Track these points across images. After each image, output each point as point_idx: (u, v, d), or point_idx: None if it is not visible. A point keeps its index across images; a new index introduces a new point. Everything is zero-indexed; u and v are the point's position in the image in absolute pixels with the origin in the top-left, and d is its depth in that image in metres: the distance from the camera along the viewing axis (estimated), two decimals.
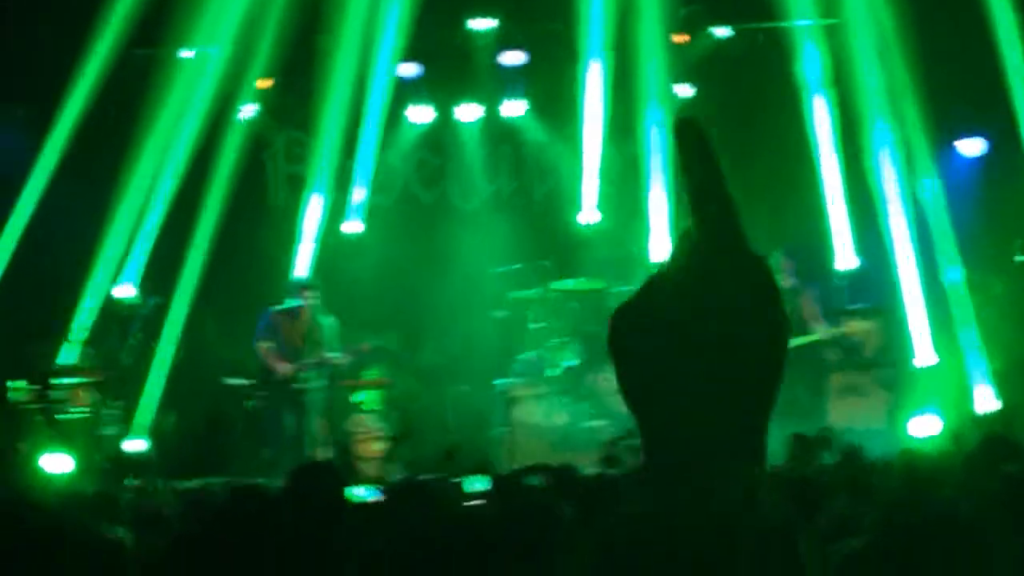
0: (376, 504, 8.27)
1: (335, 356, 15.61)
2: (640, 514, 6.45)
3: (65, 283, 16.81)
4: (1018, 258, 17.06)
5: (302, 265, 17.58)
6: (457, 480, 9.09)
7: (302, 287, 15.76)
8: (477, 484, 8.59)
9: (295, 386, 15.50)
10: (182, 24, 17.02)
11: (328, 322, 15.71)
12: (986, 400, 16.54)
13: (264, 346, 15.59)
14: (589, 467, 11.57)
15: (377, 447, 16.69)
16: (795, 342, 15.53)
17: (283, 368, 15.50)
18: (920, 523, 5.37)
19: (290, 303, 15.83)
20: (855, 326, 16.79)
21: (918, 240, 17.24)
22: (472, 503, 8.42)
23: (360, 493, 8.72)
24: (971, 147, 18.13)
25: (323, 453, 15.73)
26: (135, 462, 15.27)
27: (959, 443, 10.40)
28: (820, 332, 15.52)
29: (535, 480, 8.80)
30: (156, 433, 16.26)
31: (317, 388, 15.63)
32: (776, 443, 12.06)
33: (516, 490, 8.68)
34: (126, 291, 17.09)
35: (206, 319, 17.33)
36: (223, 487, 12.69)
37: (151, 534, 7.26)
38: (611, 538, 6.00)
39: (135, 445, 15.81)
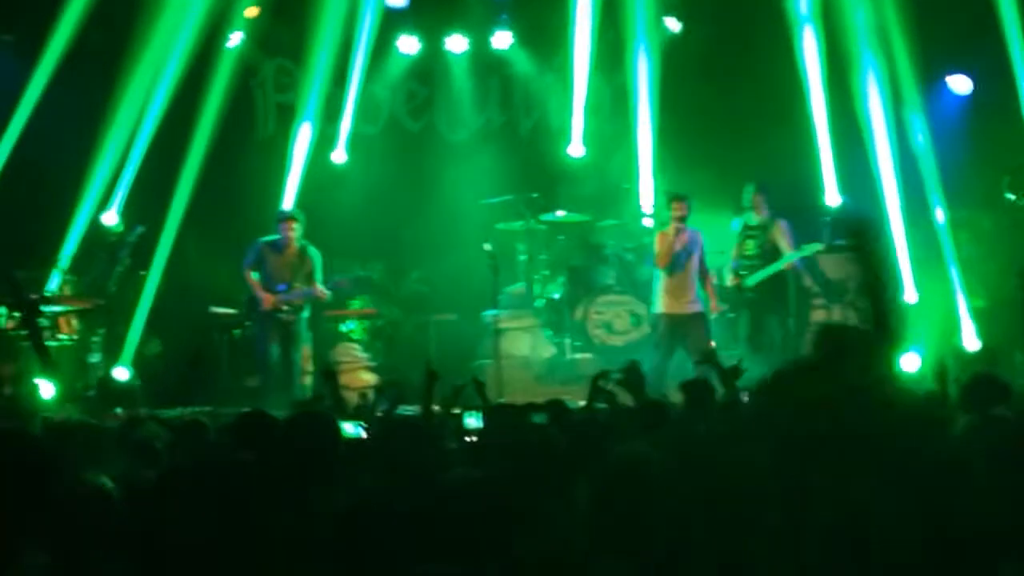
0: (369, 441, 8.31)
1: (318, 289, 15.56)
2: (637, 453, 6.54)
3: (52, 211, 16.78)
4: (1007, 195, 17.08)
5: (290, 195, 17.57)
6: (457, 414, 9.11)
7: (286, 218, 15.70)
8: (473, 420, 8.63)
9: (280, 316, 15.47)
10: None
11: (313, 253, 15.68)
12: (969, 338, 16.62)
13: (251, 275, 15.55)
14: (576, 401, 11.63)
15: (363, 377, 16.75)
16: (765, 272, 15.60)
17: (267, 299, 15.48)
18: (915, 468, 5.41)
19: (276, 235, 15.79)
20: (839, 263, 16.82)
21: (905, 177, 17.25)
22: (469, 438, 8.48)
23: (348, 429, 8.73)
24: (961, 84, 18.08)
25: (308, 382, 15.76)
26: (120, 391, 15.29)
27: (941, 382, 10.40)
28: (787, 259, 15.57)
29: (540, 418, 8.85)
30: (140, 362, 16.28)
31: (302, 318, 15.61)
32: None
33: (518, 427, 8.74)
34: (112, 219, 17.06)
35: (192, 248, 17.30)
36: (210, 417, 12.79)
37: (139, 467, 7.27)
38: (610, 473, 6.08)
39: (120, 373, 15.84)
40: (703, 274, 15.30)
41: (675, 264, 15.08)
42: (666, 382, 14.05)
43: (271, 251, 15.60)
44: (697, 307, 15.19)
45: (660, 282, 15.22)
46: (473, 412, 8.82)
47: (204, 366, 15.78)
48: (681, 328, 15.08)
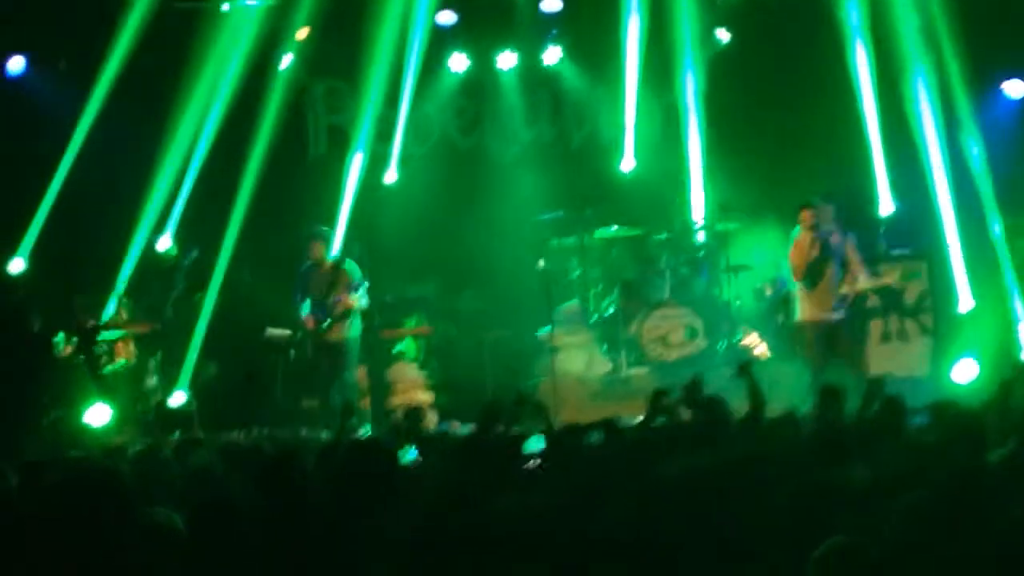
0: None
1: (344, 297, 15.53)
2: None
3: (108, 236, 16.87)
4: None
5: (343, 216, 17.60)
6: (516, 437, 9.10)
7: (308, 237, 15.78)
8: (535, 444, 8.60)
9: (331, 338, 15.49)
10: None
11: (350, 266, 15.69)
12: None
13: (300, 309, 15.65)
14: (632, 418, 11.63)
15: (419, 396, 16.77)
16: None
17: (308, 321, 15.57)
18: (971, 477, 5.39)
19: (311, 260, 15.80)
20: (895, 273, 16.73)
21: (959, 184, 17.15)
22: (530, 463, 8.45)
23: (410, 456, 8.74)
24: (1015, 88, 17.97)
25: (363, 403, 15.80)
26: (177, 415, 15.39)
27: (1002, 391, 10.35)
28: (862, 280, 15.36)
29: (595, 436, 8.84)
30: (197, 385, 16.35)
31: (350, 338, 15.60)
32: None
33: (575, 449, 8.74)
34: (166, 243, 17.16)
35: (246, 270, 17.36)
36: (268, 440, 12.86)
37: (194, 493, 7.29)
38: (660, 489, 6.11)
39: (177, 398, 15.91)
40: (844, 277, 15.12)
41: (813, 275, 14.94)
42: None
43: (310, 273, 15.68)
44: (841, 314, 15.04)
45: (800, 292, 15.04)
46: (536, 435, 8.79)
47: (258, 385, 15.84)
48: (828, 336, 14.91)
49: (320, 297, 15.57)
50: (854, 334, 15.25)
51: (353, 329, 15.66)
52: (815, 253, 14.82)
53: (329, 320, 15.53)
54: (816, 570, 4.77)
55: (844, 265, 15.06)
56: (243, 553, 5.85)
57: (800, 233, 14.90)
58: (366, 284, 15.64)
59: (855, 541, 4.83)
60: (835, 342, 14.87)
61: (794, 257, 14.91)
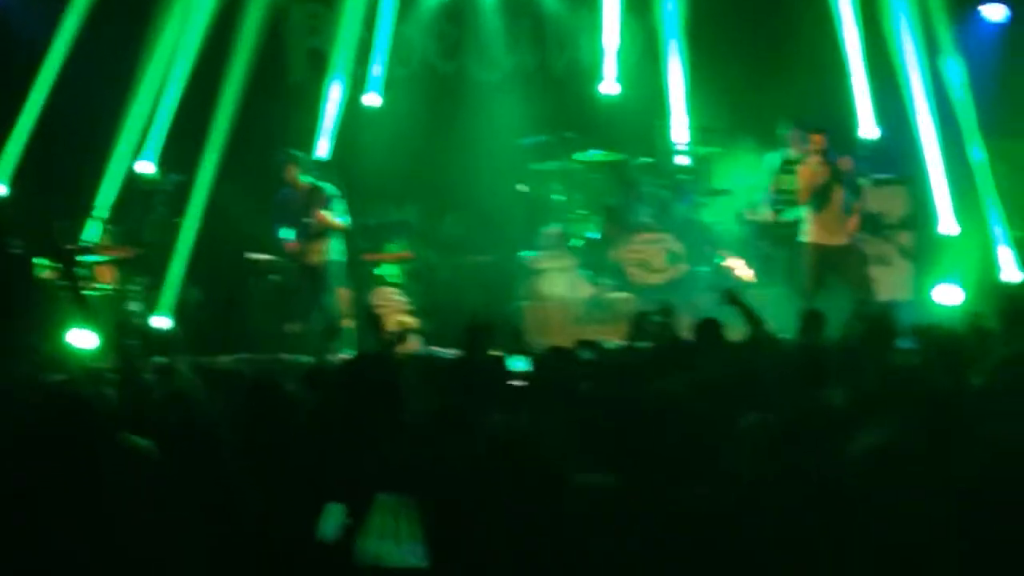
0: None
1: (319, 215, 15.47)
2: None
3: (88, 160, 16.78)
4: None
5: (323, 139, 17.54)
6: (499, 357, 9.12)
7: (285, 163, 15.69)
8: (519, 364, 8.64)
9: (311, 261, 15.46)
10: None
11: (325, 187, 15.62)
12: (1009, 269, 16.54)
13: (277, 230, 15.60)
14: (614, 341, 11.66)
15: (402, 320, 16.76)
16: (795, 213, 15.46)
17: (288, 245, 15.52)
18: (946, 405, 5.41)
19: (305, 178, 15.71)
20: (878, 196, 16.74)
21: (940, 108, 17.14)
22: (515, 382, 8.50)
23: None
24: (995, 11, 17.92)
25: (347, 326, 15.78)
26: (160, 339, 15.35)
27: (979, 315, 10.40)
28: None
29: (587, 353, 8.88)
30: (180, 310, 16.32)
31: (331, 261, 15.57)
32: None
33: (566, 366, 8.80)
34: (147, 167, 17.08)
35: (228, 194, 17.29)
36: (248, 364, 12.86)
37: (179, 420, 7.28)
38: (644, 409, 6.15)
39: (160, 322, 15.89)
40: (850, 204, 15.06)
41: (819, 198, 14.88)
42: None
43: (287, 199, 15.63)
44: (848, 238, 15.03)
45: (808, 215, 14.99)
46: (520, 356, 8.82)
47: (242, 312, 15.82)
48: (831, 260, 14.89)
49: (299, 220, 15.51)
50: (862, 258, 15.23)
51: (333, 251, 15.60)
52: (824, 177, 14.78)
53: (307, 240, 15.46)
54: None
55: (854, 191, 15.04)
56: (217, 477, 5.86)
57: (810, 157, 14.86)
58: (344, 202, 15.60)
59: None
60: (842, 267, 14.86)
61: (803, 180, 14.88)
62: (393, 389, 6.68)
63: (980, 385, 8.01)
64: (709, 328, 9.75)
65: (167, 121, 17.13)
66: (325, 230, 15.53)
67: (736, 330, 10.24)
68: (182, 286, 16.47)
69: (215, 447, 6.27)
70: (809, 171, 14.83)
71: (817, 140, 14.77)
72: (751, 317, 10.16)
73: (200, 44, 17.15)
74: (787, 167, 15.67)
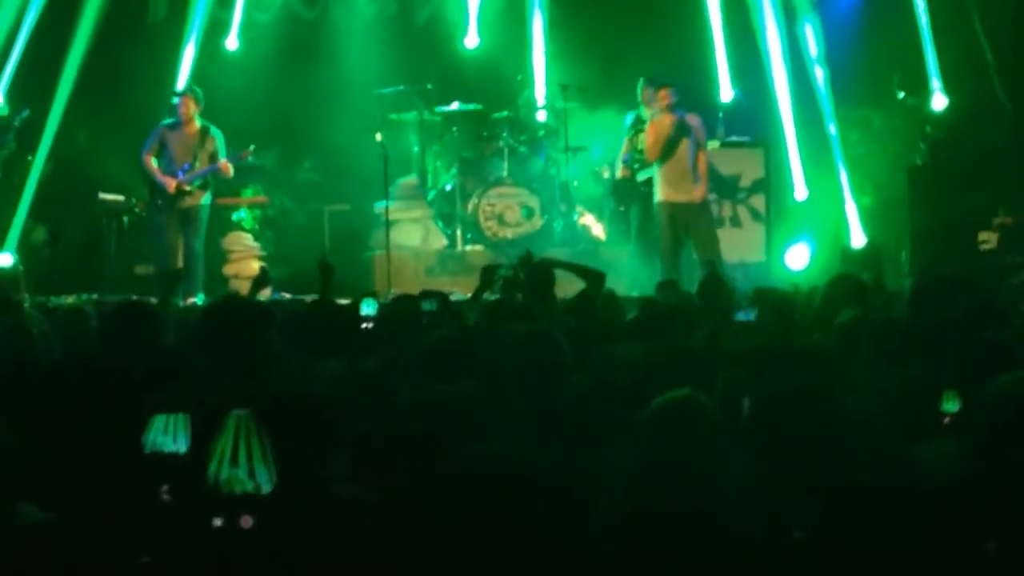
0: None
1: (222, 163, 15.20)
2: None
3: None
4: (897, 93, 17.22)
5: (181, 80, 17.34)
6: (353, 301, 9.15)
7: (183, 95, 15.40)
8: (369, 307, 8.71)
9: (181, 203, 15.19)
10: None
11: (216, 132, 15.42)
12: (856, 236, 16.81)
13: (151, 160, 15.25)
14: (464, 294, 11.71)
15: (253, 266, 16.69)
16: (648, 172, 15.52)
17: (169, 183, 15.17)
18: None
19: (174, 117, 15.45)
20: (733, 158, 16.91)
21: (796, 74, 17.34)
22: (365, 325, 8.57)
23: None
24: None
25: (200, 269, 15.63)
26: (3, 276, 15.14)
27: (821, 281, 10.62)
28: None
29: (430, 305, 8.95)
30: (25, 248, 16.10)
31: (204, 205, 15.36)
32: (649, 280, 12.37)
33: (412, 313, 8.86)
34: None
35: (81, 134, 17.08)
36: (94, 305, 12.72)
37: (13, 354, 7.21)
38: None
39: (3, 259, 15.65)
40: (698, 160, 15.05)
41: (668, 152, 14.85)
42: (681, 274, 14.05)
43: (171, 133, 15.29)
44: (698, 196, 15.05)
45: (657, 173, 14.97)
46: (369, 300, 8.87)
47: (65, 244, 15.53)
48: (683, 217, 14.91)
49: (182, 159, 15.20)
50: (710, 218, 15.35)
51: (206, 197, 15.43)
52: (671, 133, 14.82)
53: (198, 181, 15.23)
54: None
55: (698, 146, 15.10)
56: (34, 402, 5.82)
57: (659, 114, 14.88)
58: (252, 148, 15.57)
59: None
60: (692, 226, 14.93)
61: (650, 136, 14.90)
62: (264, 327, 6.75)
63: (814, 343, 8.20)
64: (540, 280, 9.80)
65: (19, 57, 16.82)
66: (211, 179, 15.35)
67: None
68: (28, 224, 16.25)
69: (49, 379, 6.22)
70: (655, 126, 14.87)
71: (663, 95, 14.81)
72: (585, 270, 10.26)
73: None
74: (639, 126, 15.69)
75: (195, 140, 15.26)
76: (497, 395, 5.97)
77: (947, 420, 5.59)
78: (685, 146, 14.84)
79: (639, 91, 15.66)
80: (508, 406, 5.85)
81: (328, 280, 10.09)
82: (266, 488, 4.93)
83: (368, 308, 8.77)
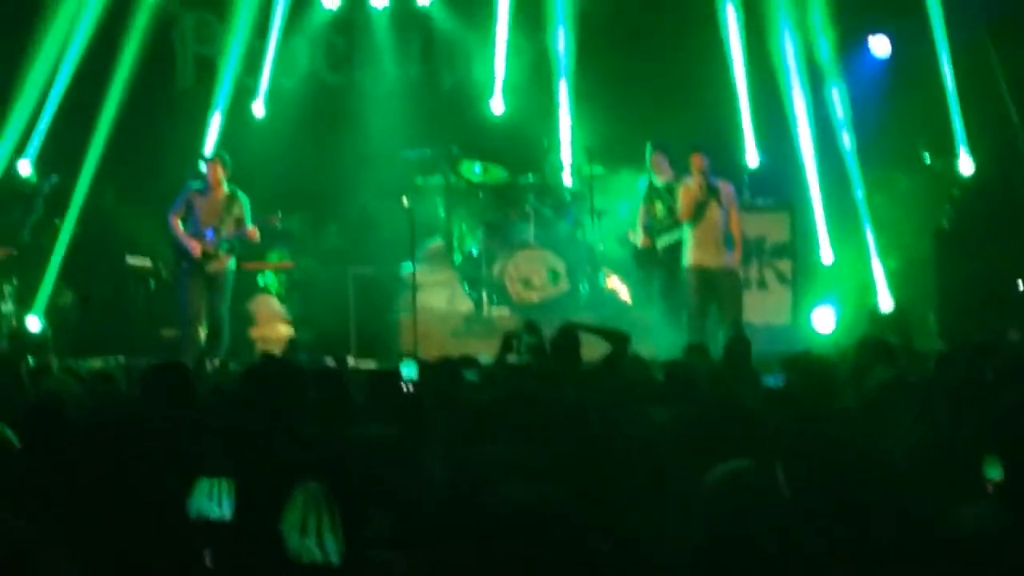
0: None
1: (248, 229, 15.20)
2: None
3: None
4: (924, 156, 17.22)
5: (209, 146, 17.43)
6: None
7: (211, 160, 15.43)
8: (408, 370, 8.72)
9: (207, 267, 15.17)
10: None
11: (243, 197, 15.43)
12: (883, 299, 16.76)
13: (177, 223, 15.25)
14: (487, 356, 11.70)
15: (280, 329, 16.72)
16: (675, 235, 15.51)
17: (195, 247, 15.16)
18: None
19: (202, 180, 15.46)
20: (759, 221, 16.89)
21: (823, 138, 17.35)
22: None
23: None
24: (880, 45, 18.15)
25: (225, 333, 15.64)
26: (32, 340, 15.18)
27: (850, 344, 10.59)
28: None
29: (470, 375, 8.95)
30: (53, 312, 16.14)
31: (230, 270, 15.35)
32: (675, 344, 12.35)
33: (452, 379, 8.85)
34: (26, 168, 16.90)
35: (109, 199, 17.16)
36: (122, 369, 12.74)
37: (49, 420, 7.22)
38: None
39: (32, 323, 15.70)
40: (731, 227, 15.05)
41: (699, 216, 14.85)
42: (708, 338, 13.97)
43: (199, 196, 15.30)
44: (728, 261, 15.03)
45: (688, 236, 14.97)
46: (410, 362, 8.89)
47: (95, 307, 15.55)
48: (712, 281, 14.88)
49: (208, 223, 15.19)
50: (737, 283, 15.30)
51: (232, 262, 15.41)
52: (702, 196, 14.83)
53: (225, 245, 15.23)
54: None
55: (729, 212, 15.10)
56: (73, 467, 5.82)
57: (692, 178, 14.86)
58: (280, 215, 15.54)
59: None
60: (719, 290, 14.91)
61: (684, 197, 14.89)
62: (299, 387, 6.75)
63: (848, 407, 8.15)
64: (566, 344, 9.80)
65: (49, 122, 16.96)
66: (237, 244, 15.35)
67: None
68: (57, 288, 16.30)
69: (82, 440, 6.23)
70: (688, 190, 14.87)
71: (696, 160, 14.83)
72: (610, 334, 10.26)
73: (86, 46, 17.02)
74: (654, 193, 15.68)
75: (222, 205, 15.27)
76: (531, 456, 5.97)
77: (991, 487, 5.52)
78: (716, 211, 14.85)
79: (647, 157, 15.63)
80: (542, 465, 5.84)
81: None
82: (335, 560, 4.94)
83: (409, 371, 8.78)
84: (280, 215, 15.79)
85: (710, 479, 4.80)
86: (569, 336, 9.97)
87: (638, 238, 15.86)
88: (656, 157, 15.52)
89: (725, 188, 15.06)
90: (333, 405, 7.47)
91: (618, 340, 10.21)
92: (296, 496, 5.01)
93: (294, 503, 5.00)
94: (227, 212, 15.25)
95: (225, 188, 15.35)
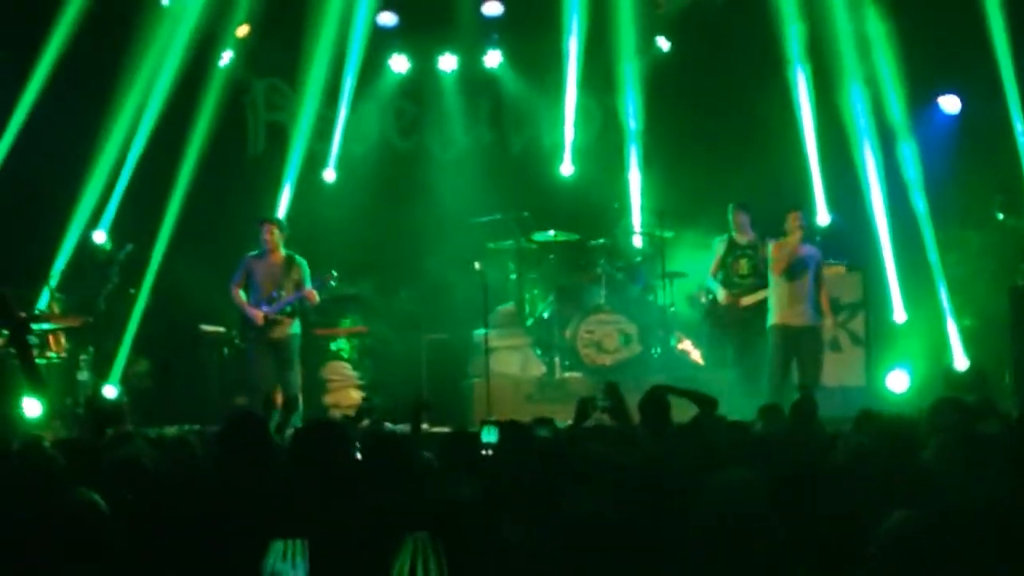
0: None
1: (307, 291, 15.20)
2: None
3: (42, 228, 16.78)
4: (997, 214, 17.12)
5: (280, 213, 17.55)
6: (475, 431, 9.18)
7: (264, 222, 15.44)
8: (489, 435, 8.76)
9: (271, 334, 15.23)
10: None
11: (300, 261, 15.46)
12: (958, 359, 16.64)
13: (239, 293, 15.31)
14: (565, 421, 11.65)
15: (352, 395, 16.76)
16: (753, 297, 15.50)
17: (257, 316, 15.22)
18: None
19: (260, 248, 15.52)
20: (831, 281, 16.81)
21: (894, 196, 17.31)
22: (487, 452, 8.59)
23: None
24: (951, 104, 18.13)
25: (297, 400, 15.67)
26: (108, 409, 15.25)
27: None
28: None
29: (544, 431, 8.95)
30: (129, 380, 16.26)
31: (294, 334, 15.40)
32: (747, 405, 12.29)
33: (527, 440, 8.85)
34: (101, 237, 17.07)
35: (182, 266, 17.28)
36: (197, 435, 12.77)
37: (129, 485, 7.25)
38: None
39: (108, 391, 15.80)
40: (819, 290, 15.03)
41: (792, 273, 14.81)
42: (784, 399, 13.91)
43: (257, 262, 15.32)
44: (812, 320, 14.98)
45: (775, 295, 14.94)
46: (491, 427, 8.91)
47: (187, 380, 15.68)
48: (796, 341, 14.84)
49: (268, 288, 15.27)
50: (820, 342, 15.22)
51: (295, 326, 15.47)
52: (797, 256, 14.80)
53: (287, 308, 15.27)
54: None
55: (819, 276, 15.10)
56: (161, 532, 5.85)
57: (791, 235, 14.78)
58: (335, 274, 15.55)
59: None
60: (803, 348, 14.84)
61: (777, 253, 14.85)
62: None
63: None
64: (654, 407, 9.77)
65: (123, 191, 17.16)
66: (298, 307, 15.38)
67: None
68: (132, 356, 16.42)
69: (160, 503, 6.27)
70: (783, 246, 14.79)
71: (794, 218, 14.77)
72: (698, 397, 10.22)
73: (160, 115, 17.21)
74: (740, 252, 15.69)
75: (280, 269, 15.28)
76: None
77: None
78: (806, 273, 14.83)
79: (730, 216, 15.62)
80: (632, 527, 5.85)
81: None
82: None
83: (489, 436, 8.81)
84: (335, 274, 15.76)
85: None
86: (659, 399, 9.94)
87: (720, 295, 15.76)
88: (740, 216, 15.55)
89: (815, 252, 15.04)
90: (392, 468, 7.47)
91: (706, 403, 10.19)
92: (406, 543, 5.02)
93: (404, 550, 5.01)
94: (285, 276, 15.25)
95: (282, 251, 15.35)
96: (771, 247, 14.98)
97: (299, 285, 15.23)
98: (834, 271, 16.84)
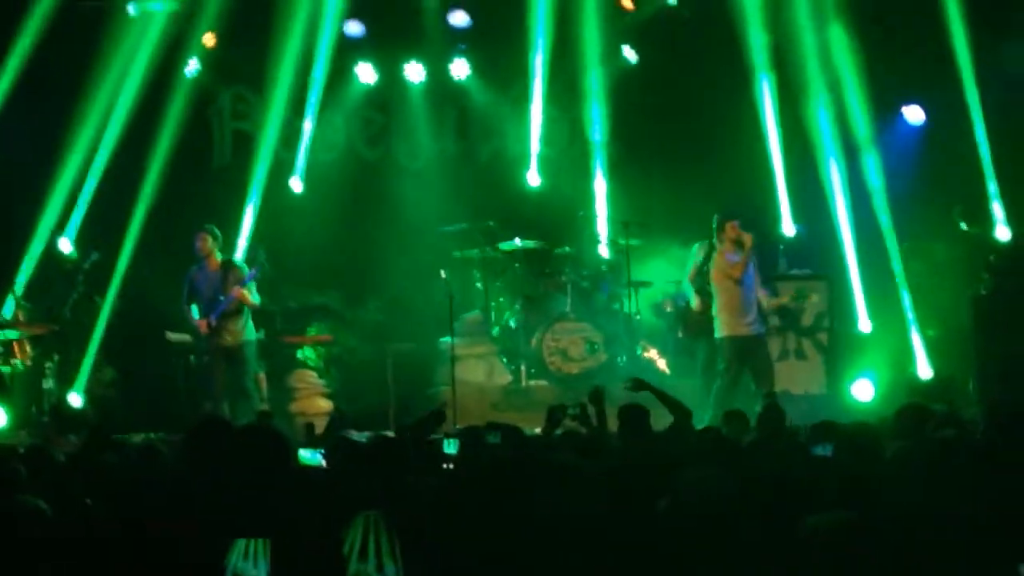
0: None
1: (237, 291, 15.07)
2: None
3: (7, 237, 16.72)
4: (960, 224, 17.18)
5: (247, 222, 17.54)
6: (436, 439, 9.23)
7: (199, 232, 15.38)
8: (450, 447, 8.80)
9: (222, 343, 15.20)
10: None
11: (239, 264, 15.40)
12: (922, 367, 16.72)
13: (189, 310, 15.29)
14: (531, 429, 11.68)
15: (318, 403, 16.77)
16: None
17: (201, 325, 15.18)
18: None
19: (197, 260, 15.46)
20: (790, 292, 16.86)
21: (858, 206, 17.38)
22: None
23: (306, 456, 8.79)
24: (915, 114, 18.22)
25: (262, 408, 15.66)
26: (73, 417, 15.24)
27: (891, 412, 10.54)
28: (762, 300, 15.29)
29: (494, 438, 8.97)
30: (94, 388, 16.22)
31: (248, 341, 15.35)
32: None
33: (479, 446, 8.88)
34: (66, 246, 17.02)
35: (148, 275, 17.24)
36: (164, 443, 12.76)
37: (93, 491, 7.27)
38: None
39: (73, 400, 15.78)
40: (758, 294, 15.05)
41: (744, 282, 14.82)
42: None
43: (197, 274, 15.30)
44: (760, 329, 15.02)
45: (724, 303, 14.86)
46: (452, 440, 8.94)
47: (153, 389, 15.59)
48: (747, 350, 14.84)
49: (210, 296, 15.18)
50: (767, 349, 15.26)
51: (248, 332, 15.37)
52: (750, 264, 14.83)
53: (224, 310, 15.16)
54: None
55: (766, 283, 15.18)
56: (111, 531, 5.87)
57: (736, 243, 14.78)
58: (256, 273, 15.34)
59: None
60: (750, 358, 14.86)
61: (724, 260, 14.81)
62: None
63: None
64: (634, 415, 9.79)
65: (89, 200, 17.11)
66: (241, 309, 15.26)
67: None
68: (97, 365, 16.38)
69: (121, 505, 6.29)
70: (739, 255, 14.80)
71: (733, 226, 14.80)
72: (674, 405, 10.28)
73: (126, 123, 17.16)
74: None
75: (218, 275, 15.24)
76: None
77: None
78: (755, 280, 14.90)
79: (715, 225, 15.50)
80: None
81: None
82: None
83: (451, 448, 8.84)
84: (263, 253, 15.60)
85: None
86: (638, 408, 9.97)
87: (694, 302, 15.65)
88: (729, 223, 15.39)
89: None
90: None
91: (682, 413, 10.25)
92: (356, 522, 5.03)
93: (354, 528, 5.03)
94: (225, 281, 15.21)
95: (217, 257, 15.33)
96: (715, 255, 14.95)
97: (239, 285, 15.16)
98: (799, 281, 16.91)
